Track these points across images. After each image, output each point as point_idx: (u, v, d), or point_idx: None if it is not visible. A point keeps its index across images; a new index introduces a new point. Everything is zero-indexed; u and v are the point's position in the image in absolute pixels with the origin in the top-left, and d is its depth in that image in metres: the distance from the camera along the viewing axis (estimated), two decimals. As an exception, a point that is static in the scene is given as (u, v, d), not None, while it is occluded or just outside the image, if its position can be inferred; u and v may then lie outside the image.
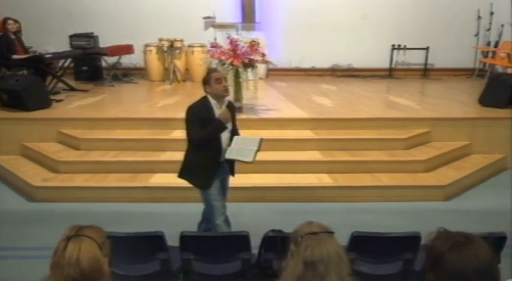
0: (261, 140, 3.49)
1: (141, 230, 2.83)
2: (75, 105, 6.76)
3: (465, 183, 5.34)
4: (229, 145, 3.52)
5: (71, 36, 8.65)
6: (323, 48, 9.30)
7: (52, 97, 6.81)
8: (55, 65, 7.89)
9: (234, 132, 3.62)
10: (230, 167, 3.69)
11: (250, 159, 3.43)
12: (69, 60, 8.18)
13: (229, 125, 3.54)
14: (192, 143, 3.47)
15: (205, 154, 3.47)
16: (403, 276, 2.86)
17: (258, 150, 3.44)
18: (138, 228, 2.88)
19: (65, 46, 8.48)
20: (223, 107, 3.48)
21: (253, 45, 5.85)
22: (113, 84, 8.35)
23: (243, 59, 5.73)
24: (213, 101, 3.45)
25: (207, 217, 3.77)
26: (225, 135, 3.50)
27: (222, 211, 3.60)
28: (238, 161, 3.54)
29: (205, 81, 3.46)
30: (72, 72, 8.59)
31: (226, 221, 3.62)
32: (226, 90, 3.47)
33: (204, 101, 3.47)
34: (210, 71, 3.65)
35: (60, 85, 7.60)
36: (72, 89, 7.68)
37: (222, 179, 3.66)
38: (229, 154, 3.49)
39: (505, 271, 1.82)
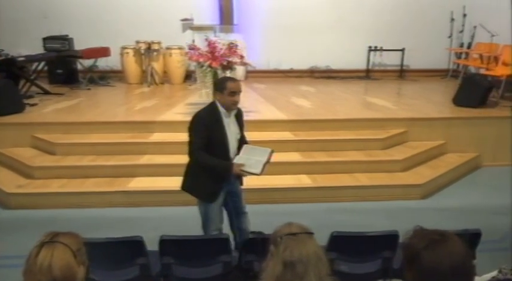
0: (272, 152, 3.31)
1: (120, 235, 2.78)
2: (50, 109, 6.63)
3: (441, 181, 5.44)
4: (237, 153, 3.34)
5: (44, 39, 8.47)
6: (301, 50, 9.37)
7: (26, 101, 6.67)
8: (28, 68, 7.72)
9: (242, 140, 3.44)
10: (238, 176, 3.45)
11: (258, 171, 3.23)
12: (43, 63, 8.02)
13: (238, 134, 3.37)
14: (191, 153, 3.25)
15: None
16: (382, 274, 2.89)
17: (268, 162, 3.25)
18: (117, 233, 2.83)
19: (38, 49, 8.31)
20: (232, 115, 3.31)
21: (232, 47, 5.84)
22: (89, 88, 8.23)
23: (222, 61, 5.72)
24: (222, 110, 3.23)
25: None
26: (232, 145, 3.32)
27: (218, 226, 3.46)
28: (246, 172, 3.30)
29: (218, 88, 3.23)
30: (46, 76, 8.43)
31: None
32: (235, 104, 3.23)
33: (212, 108, 3.25)
34: (226, 79, 3.44)
35: (34, 89, 7.46)
36: (46, 92, 7.54)
37: (229, 191, 3.48)
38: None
39: (480, 267, 1.86)
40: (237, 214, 3.64)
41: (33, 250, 1.57)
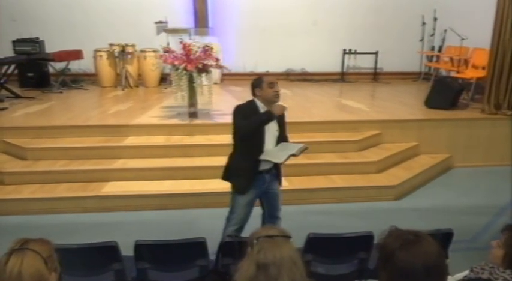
0: (305, 147, 3.36)
1: (94, 240, 2.73)
2: (20, 113, 6.47)
3: (414, 182, 5.54)
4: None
5: (14, 42, 8.27)
6: (277, 53, 9.44)
7: (-5, 105, 6.52)
8: (-3, 71, 7.53)
9: (282, 138, 3.45)
10: (276, 175, 3.53)
11: (279, 160, 3.30)
12: (13, 67, 7.83)
13: (277, 131, 3.39)
14: (238, 139, 3.34)
15: (248, 156, 3.33)
16: (358, 275, 2.92)
17: (294, 154, 3.30)
18: (92, 239, 2.78)
19: (8, 52, 8.10)
20: None
21: (207, 50, 5.82)
22: (61, 91, 8.07)
23: (197, 64, 5.68)
24: (260, 105, 3.31)
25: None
26: (269, 141, 3.35)
27: (238, 222, 3.49)
28: (267, 161, 3.34)
29: (256, 85, 3.34)
30: (17, 79, 8.23)
31: (238, 231, 3.50)
32: (277, 95, 3.30)
33: (251, 104, 3.35)
34: (260, 76, 3.52)
35: (4, 92, 7.27)
36: (17, 96, 7.36)
37: (266, 191, 3.49)
38: (263, 155, 3.33)
39: (453, 266, 1.90)
40: (270, 217, 3.61)
41: (2, 258, 1.53)
